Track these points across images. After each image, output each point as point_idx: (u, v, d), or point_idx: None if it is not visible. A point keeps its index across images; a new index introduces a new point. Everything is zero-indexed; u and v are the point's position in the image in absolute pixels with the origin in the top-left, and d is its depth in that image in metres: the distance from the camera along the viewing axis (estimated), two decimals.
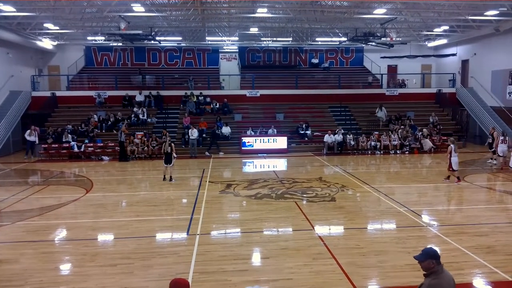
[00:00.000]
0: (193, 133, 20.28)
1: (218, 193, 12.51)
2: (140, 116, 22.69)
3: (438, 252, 3.76)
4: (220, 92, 25.95)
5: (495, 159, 16.58)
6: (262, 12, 19.69)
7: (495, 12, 19.65)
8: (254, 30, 24.14)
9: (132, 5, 18.09)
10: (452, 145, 13.26)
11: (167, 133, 18.29)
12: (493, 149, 16.73)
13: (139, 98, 24.18)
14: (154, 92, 24.65)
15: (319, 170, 16.69)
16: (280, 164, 18.52)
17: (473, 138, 23.55)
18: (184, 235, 8.70)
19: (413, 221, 9.51)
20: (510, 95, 22.92)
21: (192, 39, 28.16)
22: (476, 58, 25.76)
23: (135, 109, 23.18)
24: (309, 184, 13.49)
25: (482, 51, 24.93)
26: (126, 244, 8.16)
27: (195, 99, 24.34)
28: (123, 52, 29.74)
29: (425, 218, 9.89)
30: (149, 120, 22.83)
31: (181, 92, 25.02)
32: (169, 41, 28.31)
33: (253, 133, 21.72)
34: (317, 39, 28.15)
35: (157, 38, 24.77)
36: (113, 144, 20.21)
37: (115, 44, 28.32)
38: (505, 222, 9.39)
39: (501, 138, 16.06)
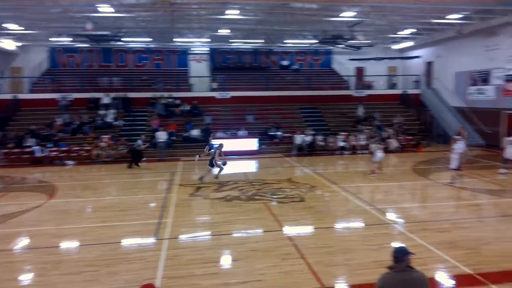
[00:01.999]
0: (162, 136, 20.00)
1: (187, 196, 12.38)
2: (107, 119, 22.18)
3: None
4: (190, 94, 25.71)
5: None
6: (232, 13, 19.67)
7: (458, 15, 20.39)
8: (224, 31, 24.08)
9: (99, 5, 17.65)
10: (373, 145, 15.40)
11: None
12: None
13: (106, 100, 23.63)
14: (121, 94, 24.17)
15: (289, 171, 16.81)
16: (250, 166, 18.54)
17: (437, 138, 24.33)
18: (152, 239, 8.55)
19: (379, 219, 9.73)
20: (471, 96, 23.86)
21: (161, 40, 27.76)
22: (440, 60, 26.66)
23: (101, 111, 22.64)
24: (279, 185, 13.56)
25: (446, 53, 25.82)
26: (91, 251, 7.94)
27: (164, 101, 24.04)
28: (90, 54, 28.98)
29: (391, 216, 10.14)
30: (116, 123, 22.36)
31: (149, 94, 24.65)
32: (137, 42, 27.82)
33: (224, 135, 21.65)
34: (287, 41, 28.39)
35: (125, 39, 24.29)
36: (78, 148, 19.68)
37: (81, 45, 27.55)
38: (466, 218, 9.76)
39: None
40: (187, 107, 24.06)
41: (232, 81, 27.37)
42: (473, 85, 23.62)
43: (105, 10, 18.25)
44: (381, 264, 4.27)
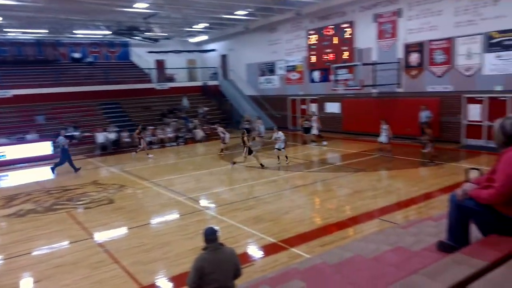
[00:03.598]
0: None
1: None
2: None
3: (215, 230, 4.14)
4: None
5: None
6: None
7: (244, 12, 22.32)
8: None
9: None
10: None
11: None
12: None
13: None
14: None
15: (94, 172, 15.53)
16: (45, 173, 16.34)
17: (237, 124, 26.44)
18: None
19: (192, 207, 9.92)
20: (262, 85, 26.72)
21: None
22: (233, 53, 28.88)
23: None
24: (83, 190, 12.37)
25: (237, 46, 28.12)
26: None
27: None
28: None
29: (203, 202, 10.47)
30: None
31: None
32: None
33: (7, 141, 18.40)
34: (77, 31, 25.88)
35: None
36: None
37: None
38: (267, 193, 10.85)
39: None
40: None
41: (12, 77, 23.47)
42: (262, 75, 26.51)
43: None
44: (198, 251, 4.32)
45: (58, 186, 13.15)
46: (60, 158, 15.34)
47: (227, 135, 17.77)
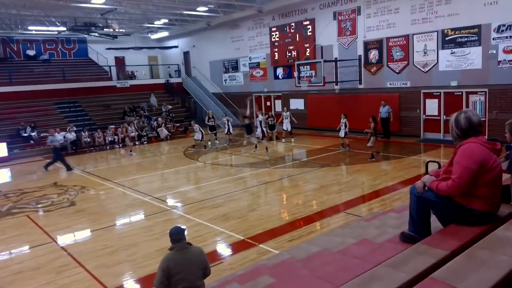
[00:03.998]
0: None
1: None
2: None
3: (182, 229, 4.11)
4: None
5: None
6: None
7: (205, 8, 22.11)
8: None
9: None
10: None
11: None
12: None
13: None
14: None
15: (53, 174, 14.94)
16: (1, 176, 15.59)
17: (202, 122, 26.19)
18: None
19: (159, 207, 9.77)
20: (226, 82, 26.61)
21: None
22: (195, 50, 28.56)
23: None
24: (42, 192, 11.90)
25: (200, 43, 27.82)
26: None
27: None
28: None
29: (169, 202, 10.34)
30: None
31: None
32: None
33: None
34: (31, 27, 24.74)
35: None
36: None
37: None
38: (234, 191, 10.86)
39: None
40: None
41: None
42: (226, 72, 26.40)
43: None
44: (165, 251, 4.28)
45: (15, 189, 12.57)
46: (53, 157, 15.22)
47: (203, 132, 17.75)
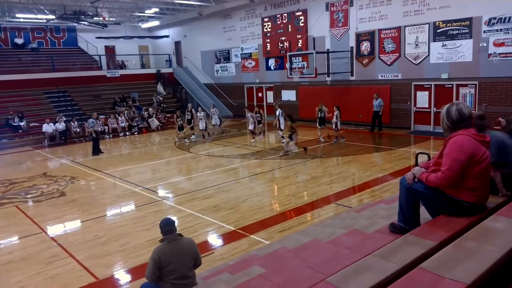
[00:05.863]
0: None
1: None
2: None
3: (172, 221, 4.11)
4: None
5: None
6: None
7: None
8: None
9: None
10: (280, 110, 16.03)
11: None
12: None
13: None
14: None
15: (43, 164, 14.83)
16: None
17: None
18: None
19: (149, 198, 9.74)
20: (217, 73, 26.45)
21: None
22: (186, 40, 28.27)
23: None
24: (31, 183, 11.79)
25: (191, 33, 27.54)
26: None
27: None
28: None
29: (160, 192, 10.32)
30: None
31: None
32: None
33: None
34: (19, 15, 24.26)
35: None
36: None
37: None
38: (225, 181, 10.86)
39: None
40: None
41: None
42: (217, 63, 26.23)
43: None
44: (156, 242, 4.28)
45: (4, 179, 12.44)
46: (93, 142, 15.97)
47: (207, 122, 17.68)
